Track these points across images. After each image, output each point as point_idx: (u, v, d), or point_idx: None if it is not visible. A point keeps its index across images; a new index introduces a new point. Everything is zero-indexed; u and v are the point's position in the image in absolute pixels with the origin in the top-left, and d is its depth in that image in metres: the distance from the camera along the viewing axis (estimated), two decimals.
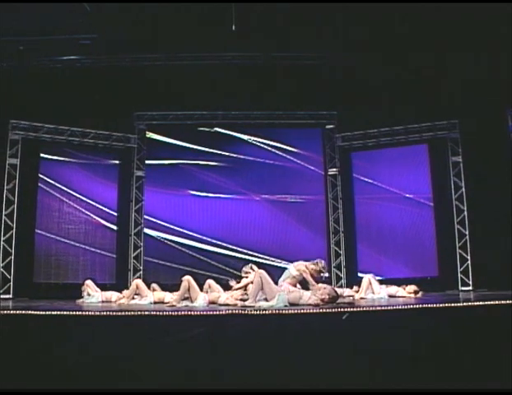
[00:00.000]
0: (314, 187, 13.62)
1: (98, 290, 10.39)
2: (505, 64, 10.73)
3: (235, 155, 13.64)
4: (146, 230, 13.39)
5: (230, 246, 13.16)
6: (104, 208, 13.17)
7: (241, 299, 7.86)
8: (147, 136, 13.74)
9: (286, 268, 8.04)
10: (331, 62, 12.09)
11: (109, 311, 6.38)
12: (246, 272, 8.85)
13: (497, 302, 5.87)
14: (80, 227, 12.91)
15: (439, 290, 11.36)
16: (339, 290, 8.78)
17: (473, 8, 9.57)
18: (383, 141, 13.31)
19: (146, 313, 6.46)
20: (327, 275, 7.75)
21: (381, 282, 9.90)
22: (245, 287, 8.67)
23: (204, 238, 13.24)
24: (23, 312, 6.21)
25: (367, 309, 6.45)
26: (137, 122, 13.66)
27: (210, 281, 9.13)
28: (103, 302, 9.88)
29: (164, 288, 9.95)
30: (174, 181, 13.47)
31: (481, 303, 6.16)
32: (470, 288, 12.01)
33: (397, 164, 13.21)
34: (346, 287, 11.53)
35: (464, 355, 4.51)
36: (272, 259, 12.74)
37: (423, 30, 10.68)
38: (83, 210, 12.97)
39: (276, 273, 7.70)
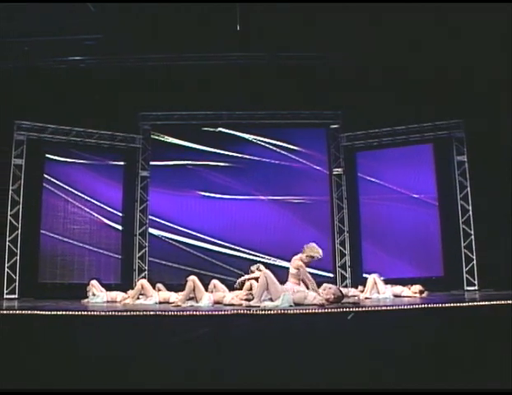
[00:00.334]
0: (318, 187, 13.60)
1: (103, 290, 10.40)
2: (510, 63, 10.70)
3: (239, 156, 13.63)
4: (151, 230, 13.41)
5: (235, 246, 13.15)
6: (109, 208, 13.19)
7: (246, 299, 7.86)
8: (152, 136, 13.75)
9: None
10: (335, 62, 12.08)
11: (114, 311, 6.39)
12: (252, 271, 8.85)
13: (503, 302, 5.85)
14: (85, 227, 12.93)
15: (445, 289, 11.33)
16: (344, 290, 8.77)
17: (476, 8, 9.55)
18: (387, 141, 13.27)
19: (152, 313, 6.47)
20: (321, 255, 7.57)
21: (386, 282, 9.87)
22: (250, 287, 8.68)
23: (209, 238, 13.23)
24: (29, 312, 6.23)
25: (372, 309, 6.44)
26: (141, 122, 13.67)
27: (215, 281, 9.13)
28: (108, 302, 9.89)
29: (169, 288, 9.96)
30: (179, 181, 13.47)
31: (486, 303, 6.14)
32: (475, 288, 11.97)
33: (401, 164, 13.17)
34: (351, 287, 11.51)
35: (467, 355, 4.50)
36: (277, 259, 12.72)
37: (424, 31, 10.68)
38: (88, 210, 12.98)
39: (281, 273, 7.67)
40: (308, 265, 7.58)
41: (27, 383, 4.34)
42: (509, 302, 5.72)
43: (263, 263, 9.39)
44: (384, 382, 4.23)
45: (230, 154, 13.63)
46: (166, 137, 13.76)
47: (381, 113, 12.59)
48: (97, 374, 4.42)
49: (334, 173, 13.60)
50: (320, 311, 5.87)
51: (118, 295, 10.03)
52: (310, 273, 7.60)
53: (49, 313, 6.06)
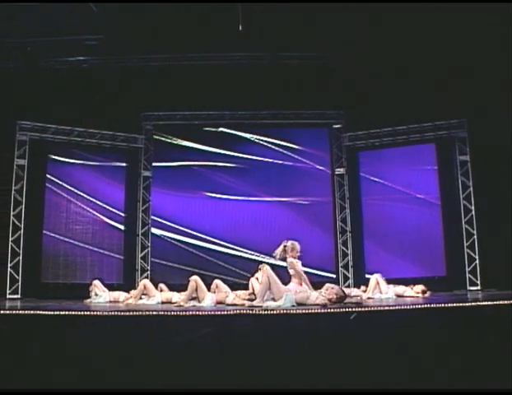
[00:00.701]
0: (321, 186, 13.59)
1: (106, 290, 10.41)
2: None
3: (241, 156, 13.63)
4: (154, 230, 13.41)
5: (237, 246, 13.15)
6: (111, 208, 13.20)
7: (248, 299, 7.86)
8: (154, 136, 13.75)
9: None
10: (337, 62, 12.08)
11: (117, 311, 6.40)
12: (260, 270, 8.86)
13: (505, 302, 5.84)
14: (87, 227, 12.94)
15: (447, 289, 11.32)
16: (347, 290, 8.77)
17: (476, 8, 9.54)
18: (389, 141, 13.26)
19: (154, 313, 6.48)
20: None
21: (389, 282, 9.85)
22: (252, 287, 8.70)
23: (211, 238, 13.23)
24: (31, 312, 6.24)
25: (375, 309, 6.44)
26: (144, 122, 13.68)
27: (217, 281, 9.13)
28: (110, 302, 9.89)
29: (171, 288, 9.96)
30: (182, 181, 13.47)
31: (489, 303, 6.13)
32: (478, 288, 11.95)
33: (404, 164, 13.16)
34: (354, 287, 11.50)
35: (468, 355, 4.49)
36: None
37: (424, 31, 10.68)
38: (91, 210, 12.99)
39: (284, 273, 7.68)
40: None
41: (29, 383, 4.34)
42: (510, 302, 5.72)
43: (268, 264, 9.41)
44: (386, 382, 4.23)
45: (233, 154, 13.63)
46: (169, 137, 13.77)
47: (383, 113, 12.58)
48: (99, 374, 4.43)
49: (336, 173, 13.59)
50: (323, 311, 5.87)
51: (120, 295, 10.04)
52: (313, 274, 7.65)
53: (52, 313, 6.07)
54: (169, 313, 6.20)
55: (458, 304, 5.95)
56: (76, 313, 6.25)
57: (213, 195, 13.48)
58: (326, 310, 5.97)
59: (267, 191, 13.46)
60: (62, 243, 12.63)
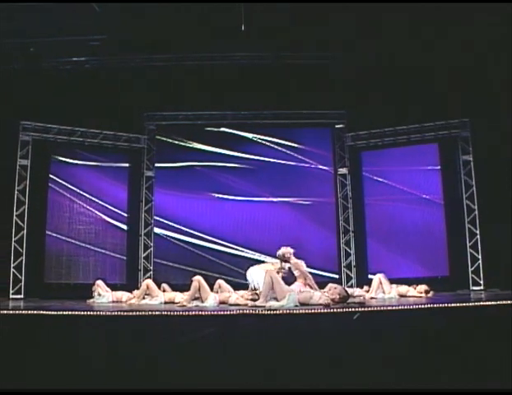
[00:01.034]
0: (324, 186, 13.57)
1: (108, 290, 10.40)
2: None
3: (244, 156, 13.62)
4: (156, 230, 13.42)
5: (240, 246, 13.15)
6: (114, 209, 13.19)
7: (251, 299, 7.86)
8: (157, 137, 13.75)
9: None
10: (339, 62, 12.07)
11: (120, 311, 6.41)
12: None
13: (508, 302, 5.84)
14: (90, 227, 12.94)
15: (450, 289, 11.30)
16: (350, 290, 8.76)
17: (476, 8, 9.53)
18: (392, 141, 13.23)
19: (157, 313, 6.48)
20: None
21: (392, 282, 9.84)
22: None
23: (214, 238, 13.21)
24: (34, 312, 6.26)
25: (378, 309, 6.44)
26: (146, 122, 13.68)
27: (220, 281, 9.14)
28: (113, 302, 9.90)
29: (174, 288, 9.95)
30: (184, 181, 13.47)
31: (492, 302, 6.13)
32: (481, 288, 11.93)
33: (407, 163, 13.13)
34: (357, 287, 11.49)
35: (470, 355, 4.48)
36: None
37: (424, 31, 10.66)
38: (93, 210, 13.00)
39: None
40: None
41: (31, 383, 4.34)
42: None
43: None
44: (388, 382, 4.22)
45: (235, 154, 13.62)
46: (171, 137, 13.77)
47: (386, 114, 12.58)
48: (102, 374, 4.43)
49: (339, 173, 13.57)
50: (326, 311, 5.88)
51: (123, 295, 10.04)
52: (316, 274, 7.69)
53: (55, 313, 6.08)
54: (172, 313, 6.21)
55: (461, 304, 5.94)
56: (79, 313, 6.26)
57: (216, 195, 13.47)
58: (329, 310, 5.97)
59: (269, 191, 13.44)
60: (65, 243, 12.63)
